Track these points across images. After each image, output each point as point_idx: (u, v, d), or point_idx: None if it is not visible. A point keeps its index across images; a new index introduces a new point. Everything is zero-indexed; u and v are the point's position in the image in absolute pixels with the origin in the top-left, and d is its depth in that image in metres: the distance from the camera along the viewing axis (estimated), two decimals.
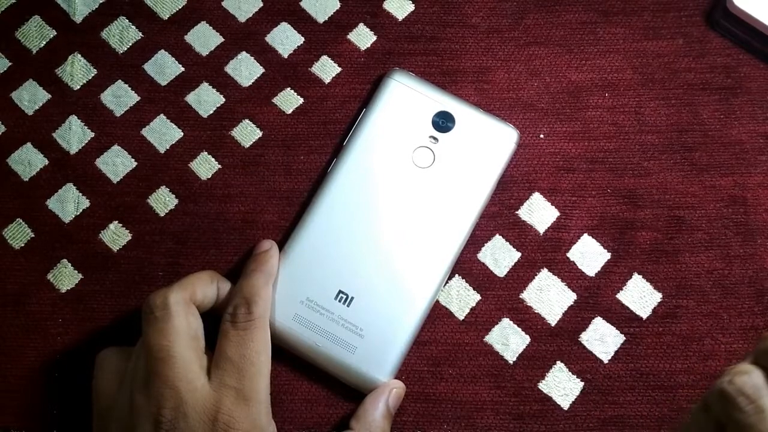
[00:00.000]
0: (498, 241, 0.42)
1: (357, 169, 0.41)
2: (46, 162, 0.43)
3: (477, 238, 0.42)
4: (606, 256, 0.42)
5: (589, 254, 0.42)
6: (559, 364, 0.40)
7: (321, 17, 0.45)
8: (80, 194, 0.42)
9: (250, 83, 0.44)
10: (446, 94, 0.42)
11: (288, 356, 0.39)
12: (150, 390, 0.34)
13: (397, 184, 0.40)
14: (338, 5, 0.45)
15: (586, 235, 0.42)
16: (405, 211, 0.40)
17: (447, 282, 0.41)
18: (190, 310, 0.36)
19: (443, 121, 0.41)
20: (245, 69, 0.44)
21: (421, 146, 0.41)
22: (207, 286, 0.37)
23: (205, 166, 0.43)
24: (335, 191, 0.40)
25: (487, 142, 0.41)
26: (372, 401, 0.37)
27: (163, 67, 0.44)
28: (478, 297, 0.41)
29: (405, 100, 0.42)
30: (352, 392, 0.39)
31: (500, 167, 0.41)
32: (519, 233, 0.42)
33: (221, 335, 0.35)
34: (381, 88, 0.42)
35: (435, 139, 0.41)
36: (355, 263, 0.39)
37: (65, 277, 0.41)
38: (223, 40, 0.45)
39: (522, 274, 0.41)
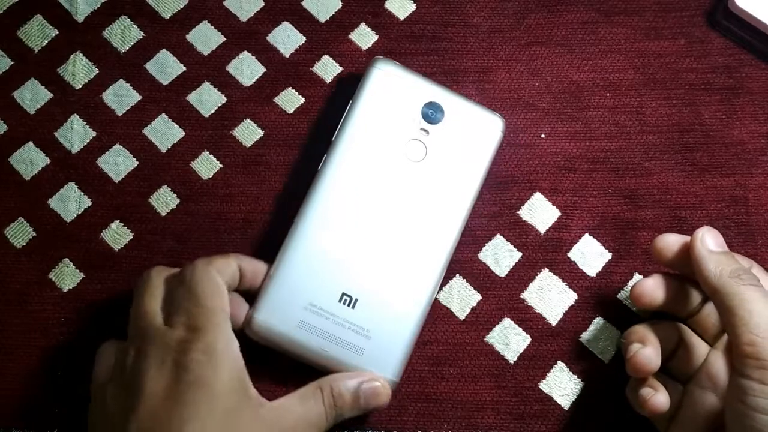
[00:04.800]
0: (499, 240, 0.42)
1: (349, 167, 0.39)
2: (48, 161, 0.43)
3: (478, 238, 0.42)
4: (607, 256, 0.42)
5: (590, 254, 0.42)
6: (560, 364, 0.40)
7: (322, 17, 0.45)
8: (82, 193, 0.42)
9: (252, 83, 0.44)
10: (432, 83, 0.41)
11: (288, 358, 0.39)
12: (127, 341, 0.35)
13: (392, 180, 0.39)
14: (340, 5, 0.46)
15: (587, 235, 0.42)
16: (401, 206, 0.39)
17: (448, 280, 0.41)
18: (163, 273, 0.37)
19: (433, 113, 0.40)
20: (247, 68, 0.44)
21: (413, 139, 0.40)
22: (223, 263, 0.37)
23: (206, 165, 0.43)
24: (329, 191, 0.39)
25: (475, 132, 0.40)
26: (348, 374, 0.37)
27: (165, 67, 0.44)
28: (478, 297, 0.41)
29: (392, 94, 0.40)
30: None
31: (489, 156, 0.40)
32: (520, 233, 0.42)
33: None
34: (366, 80, 0.41)
35: (426, 131, 0.40)
36: (356, 264, 0.38)
37: (67, 276, 0.41)
38: (224, 39, 0.45)
39: (523, 274, 0.41)
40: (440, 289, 0.41)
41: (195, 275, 0.35)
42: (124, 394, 0.33)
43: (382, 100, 0.40)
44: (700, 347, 0.37)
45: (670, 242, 0.37)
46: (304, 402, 0.35)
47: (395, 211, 0.39)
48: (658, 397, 0.35)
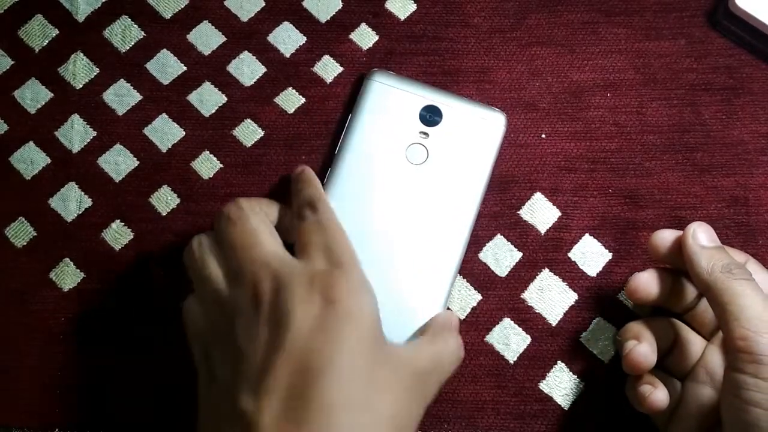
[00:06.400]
0: (499, 240, 0.42)
1: (353, 180, 0.40)
2: (49, 161, 0.43)
3: (478, 238, 0.42)
4: (607, 256, 0.42)
5: (590, 254, 0.42)
6: (560, 364, 0.40)
7: (323, 17, 0.45)
8: (82, 193, 0.43)
9: (252, 83, 0.44)
10: (428, 88, 0.42)
11: None
12: (242, 278, 0.33)
13: (396, 185, 0.40)
14: (340, 5, 0.46)
15: (587, 235, 0.42)
16: (409, 210, 0.40)
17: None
18: (261, 213, 0.36)
19: (430, 115, 0.41)
20: (247, 68, 0.44)
21: (413, 143, 0.41)
22: (270, 205, 0.37)
23: (206, 165, 0.43)
24: (337, 201, 0.39)
25: (476, 130, 0.41)
26: (434, 319, 0.37)
27: (165, 66, 0.44)
28: (479, 297, 0.41)
29: (389, 100, 0.41)
30: None
31: (493, 153, 0.41)
32: (520, 233, 0.42)
33: (297, 235, 0.35)
34: (364, 92, 0.42)
35: (425, 134, 0.41)
36: (369, 271, 0.38)
37: (67, 275, 0.41)
38: (225, 39, 0.45)
39: (523, 274, 0.41)
40: None
41: (326, 212, 0.35)
42: (265, 330, 0.32)
43: (381, 110, 0.41)
44: (696, 343, 0.37)
45: (666, 238, 0.37)
46: (434, 341, 0.35)
47: (404, 216, 0.40)
48: (658, 394, 0.35)
